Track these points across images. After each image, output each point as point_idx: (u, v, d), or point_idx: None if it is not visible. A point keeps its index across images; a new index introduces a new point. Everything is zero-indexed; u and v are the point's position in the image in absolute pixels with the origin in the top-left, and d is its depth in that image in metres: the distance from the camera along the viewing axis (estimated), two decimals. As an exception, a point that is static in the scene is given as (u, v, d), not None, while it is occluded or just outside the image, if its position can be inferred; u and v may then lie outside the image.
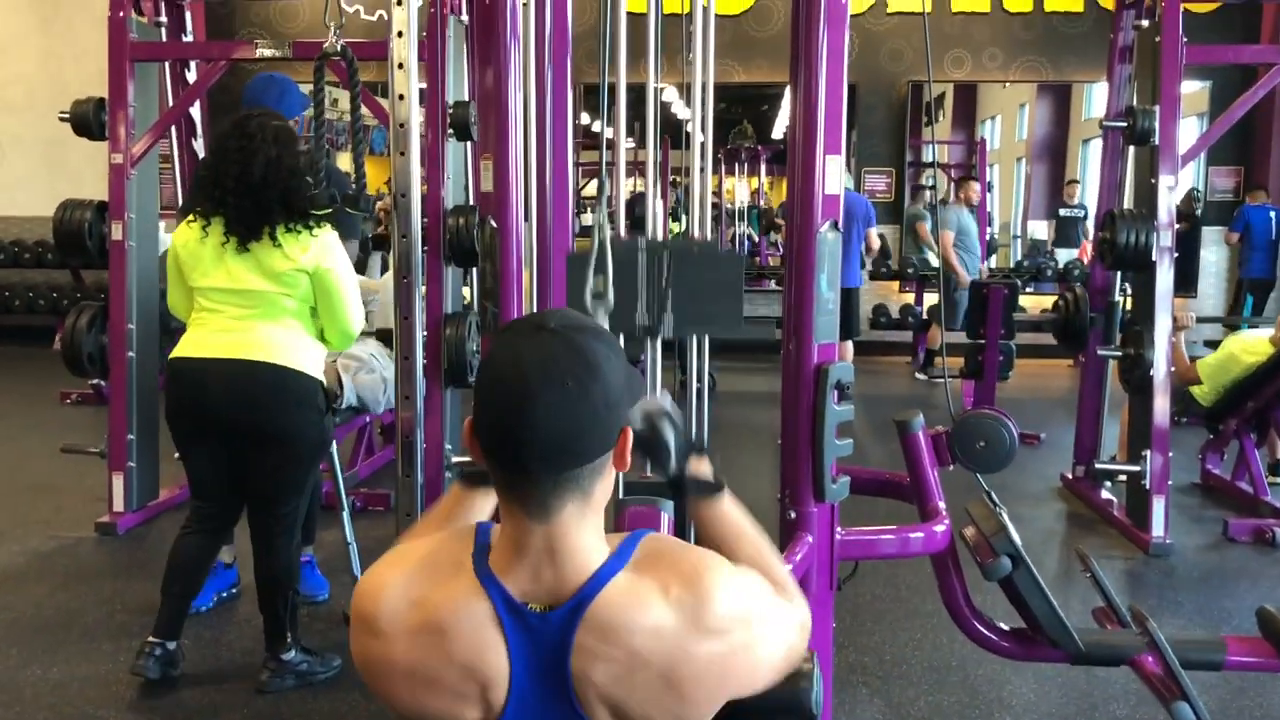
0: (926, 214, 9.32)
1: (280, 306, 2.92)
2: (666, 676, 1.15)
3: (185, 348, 2.97)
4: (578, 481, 1.15)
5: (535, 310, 2.17)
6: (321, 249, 2.91)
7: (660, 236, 2.09)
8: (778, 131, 11.17)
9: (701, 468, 1.45)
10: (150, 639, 3.05)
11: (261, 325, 2.92)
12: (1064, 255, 10.01)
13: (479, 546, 1.21)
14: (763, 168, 11.33)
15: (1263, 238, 8.97)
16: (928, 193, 9.82)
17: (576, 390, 1.12)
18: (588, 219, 10.04)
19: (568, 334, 1.15)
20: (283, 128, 2.90)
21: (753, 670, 1.22)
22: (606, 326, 1.67)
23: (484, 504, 1.43)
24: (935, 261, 7.98)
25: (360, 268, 5.64)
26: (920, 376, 8.45)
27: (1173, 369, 4.57)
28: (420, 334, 3.38)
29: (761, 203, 11.93)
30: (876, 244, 7.67)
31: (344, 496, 3.70)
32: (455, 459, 3.64)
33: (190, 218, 2.93)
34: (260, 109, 2.98)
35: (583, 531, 1.17)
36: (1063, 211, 10.35)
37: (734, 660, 1.19)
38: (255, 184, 2.81)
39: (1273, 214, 8.94)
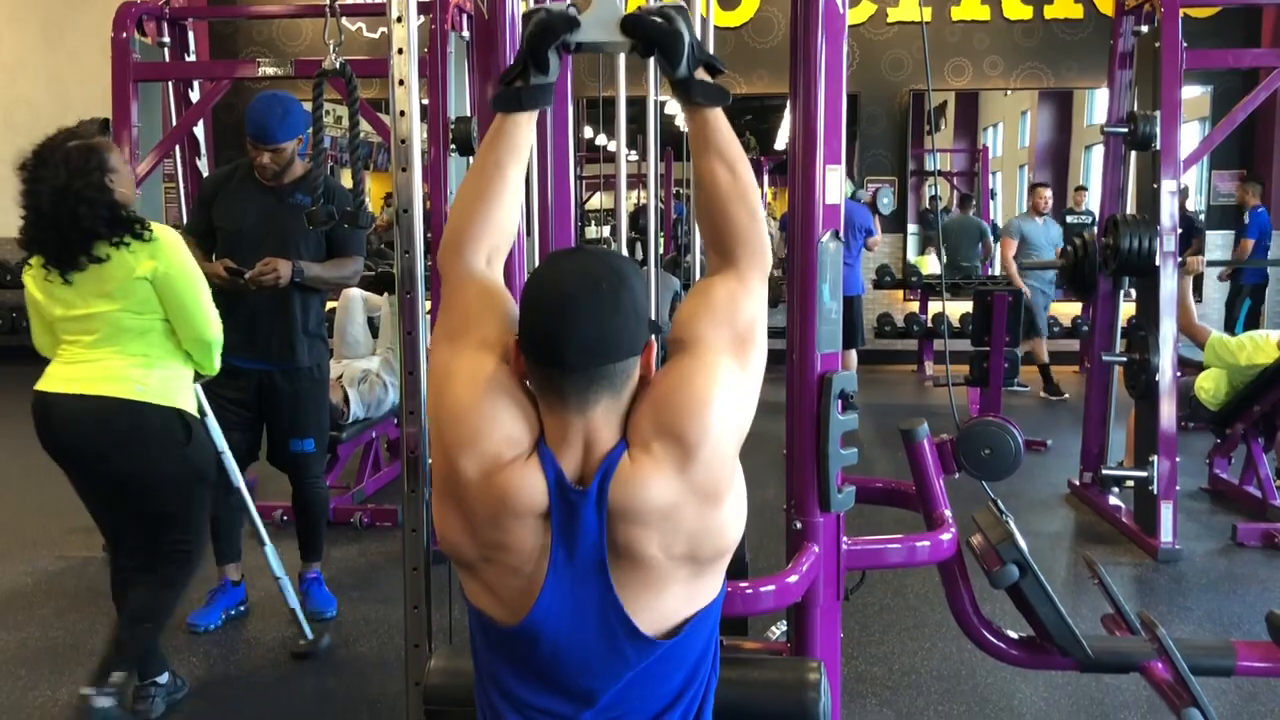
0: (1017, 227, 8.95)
1: (126, 327, 2.76)
2: (695, 497, 1.30)
3: (42, 380, 2.81)
4: (610, 379, 1.31)
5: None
6: (157, 252, 2.75)
7: (662, 249, 2.09)
8: (780, 143, 11.19)
9: (707, 76, 1.50)
10: (139, 683, 3.01)
11: (110, 353, 2.77)
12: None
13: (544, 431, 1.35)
14: (765, 179, 11.32)
15: (1265, 240, 8.89)
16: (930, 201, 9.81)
17: (609, 293, 1.30)
18: (591, 231, 10.09)
19: (598, 253, 1.39)
20: (77, 148, 2.70)
21: (747, 407, 1.39)
22: None
23: (527, 128, 1.50)
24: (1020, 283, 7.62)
25: (369, 285, 5.65)
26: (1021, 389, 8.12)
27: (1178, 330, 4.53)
28: (425, 349, 3.38)
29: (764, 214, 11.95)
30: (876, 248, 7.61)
31: (260, 526, 3.49)
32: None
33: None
34: (68, 132, 2.80)
35: (611, 430, 1.33)
36: (1070, 218, 10.33)
37: (728, 443, 1.33)
38: (48, 215, 2.69)
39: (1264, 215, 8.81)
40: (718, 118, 1.48)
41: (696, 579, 1.34)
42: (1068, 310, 9.45)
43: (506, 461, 1.31)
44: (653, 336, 1.37)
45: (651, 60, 1.61)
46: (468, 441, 1.32)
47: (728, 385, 1.34)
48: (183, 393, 2.87)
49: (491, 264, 1.47)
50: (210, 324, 2.86)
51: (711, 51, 1.64)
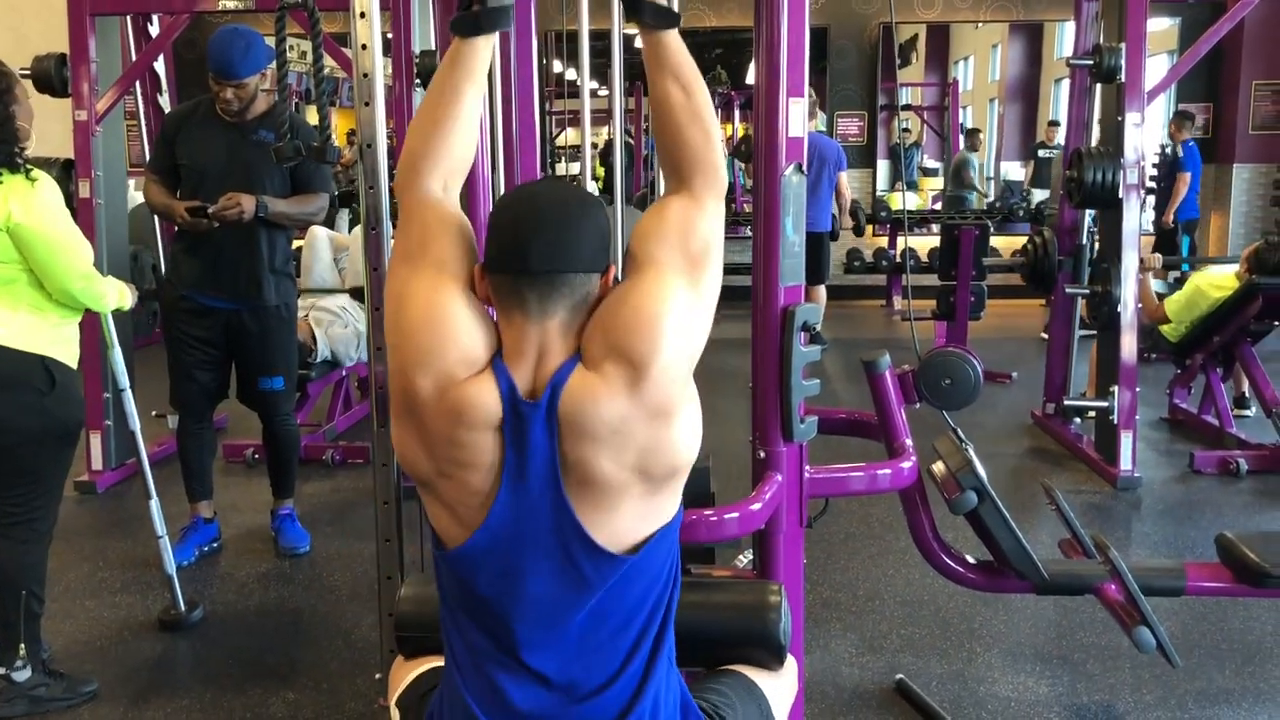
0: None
1: None
2: (646, 413, 1.32)
3: None
4: (570, 288, 1.35)
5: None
6: (11, 201, 2.56)
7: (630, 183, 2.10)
8: (751, 76, 11.09)
9: None
10: None
11: None
12: (1039, 195, 10.02)
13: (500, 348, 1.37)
14: (736, 113, 11.25)
15: (1199, 175, 8.64)
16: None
17: (576, 208, 1.37)
18: (560, 168, 10.02)
19: (564, 181, 1.42)
20: None
21: (702, 326, 1.40)
22: None
23: (485, 52, 1.50)
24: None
25: (329, 223, 5.62)
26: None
27: (1140, 307, 4.63)
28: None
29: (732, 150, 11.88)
30: (848, 194, 7.55)
31: (149, 476, 3.18)
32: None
33: None
34: None
35: (564, 344, 1.35)
36: (1042, 152, 10.33)
37: (681, 361, 1.35)
38: None
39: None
40: (672, 38, 1.48)
41: (651, 496, 1.36)
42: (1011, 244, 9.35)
43: (461, 379, 1.33)
44: (613, 263, 1.40)
45: None
46: (423, 358, 1.34)
47: (679, 305, 1.35)
48: (54, 341, 2.67)
49: (448, 189, 1.47)
50: (76, 277, 2.66)
51: None
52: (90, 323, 4.43)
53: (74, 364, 2.74)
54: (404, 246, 1.43)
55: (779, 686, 1.72)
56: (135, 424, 3.16)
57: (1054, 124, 10.12)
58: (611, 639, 1.38)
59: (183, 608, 3.22)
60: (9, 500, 2.65)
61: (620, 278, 1.42)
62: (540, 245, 1.33)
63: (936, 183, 11.22)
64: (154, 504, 3.16)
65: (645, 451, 1.33)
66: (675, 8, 1.52)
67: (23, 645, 2.67)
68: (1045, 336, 6.33)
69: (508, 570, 1.36)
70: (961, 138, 11.07)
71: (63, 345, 2.71)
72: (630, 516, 1.35)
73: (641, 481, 1.34)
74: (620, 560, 1.35)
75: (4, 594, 2.65)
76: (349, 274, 5.52)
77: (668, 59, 1.47)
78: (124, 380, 3.20)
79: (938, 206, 10.54)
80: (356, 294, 5.14)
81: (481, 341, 1.36)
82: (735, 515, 1.97)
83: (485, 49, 1.49)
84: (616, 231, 2.20)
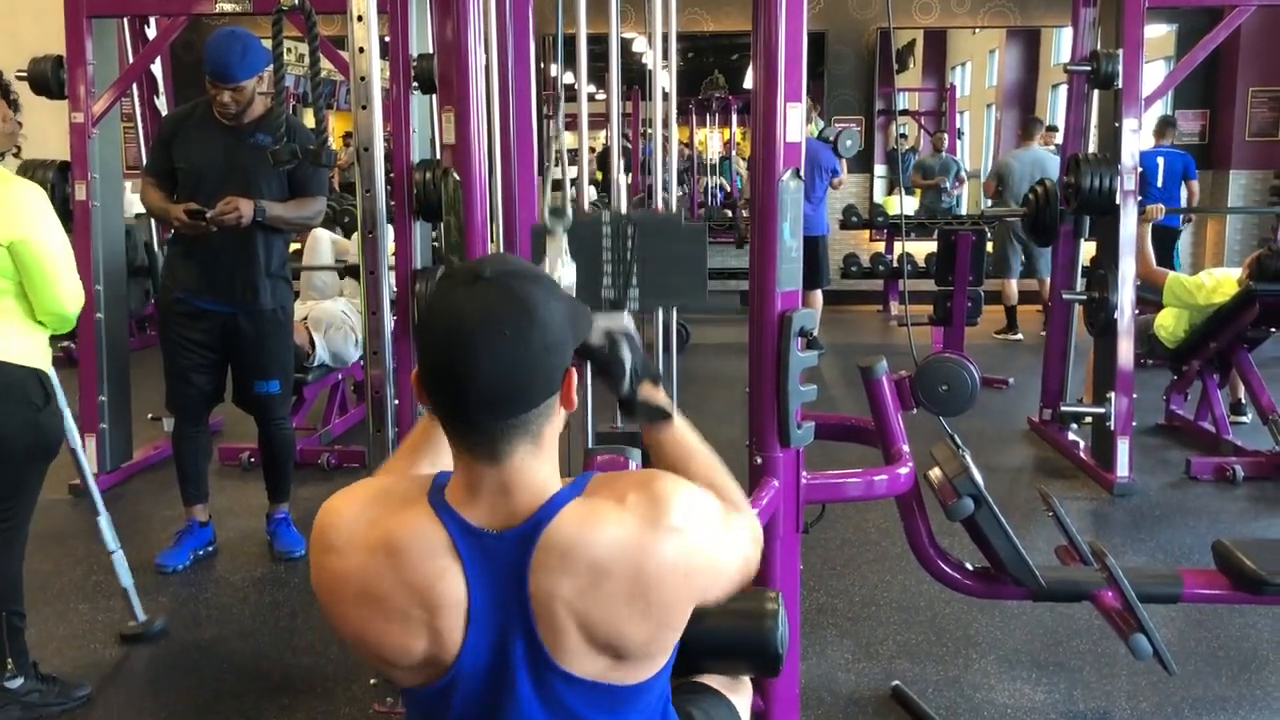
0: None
1: None
2: (633, 580, 1.17)
3: None
4: (525, 425, 1.18)
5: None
6: (7, 217, 2.51)
7: (624, 196, 2.09)
8: (749, 81, 11.10)
9: (655, 395, 1.50)
10: None
11: None
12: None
13: (435, 486, 1.24)
14: (734, 118, 11.26)
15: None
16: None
17: (515, 337, 1.14)
18: (555, 171, 10.00)
19: (503, 280, 1.17)
20: None
21: (715, 570, 1.27)
22: (565, 241, 1.70)
23: None
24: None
25: (327, 224, 5.61)
26: (998, 337, 8.11)
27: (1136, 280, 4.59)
28: (389, 289, 3.38)
29: (734, 153, 11.89)
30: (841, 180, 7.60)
31: (95, 493, 3.09)
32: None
33: None
34: None
35: (537, 470, 1.21)
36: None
37: (696, 558, 1.22)
38: None
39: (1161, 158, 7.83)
40: (672, 433, 1.48)
41: (605, 666, 1.22)
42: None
43: (377, 518, 1.22)
44: (572, 366, 1.23)
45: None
46: (327, 540, 1.24)
47: (717, 516, 1.28)
48: (45, 354, 2.66)
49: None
50: (68, 298, 2.61)
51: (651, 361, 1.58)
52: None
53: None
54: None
55: (743, 702, 1.72)
56: (76, 441, 3.01)
57: (1052, 129, 10.13)
58: None
59: (141, 618, 3.16)
60: None
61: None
62: (480, 394, 1.14)
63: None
64: (103, 520, 3.06)
65: (606, 620, 1.18)
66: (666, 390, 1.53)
67: (7, 659, 2.65)
68: (1044, 334, 6.33)
69: (484, 708, 1.24)
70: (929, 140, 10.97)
71: (47, 358, 2.69)
72: (600, 669, 1.23)
73: (589, 647, 1.20)
74: (600, 689, 1.23)
75: None
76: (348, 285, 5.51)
77: (676, 451, 1.47)
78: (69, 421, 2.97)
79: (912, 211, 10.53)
80: (351, 271, 5.06)
81: (399, 500, 1.24)
82: (732, 521, 1.97)
83: None
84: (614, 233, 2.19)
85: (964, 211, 10.24)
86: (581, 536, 1.17)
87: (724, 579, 1.29)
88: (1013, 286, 8.04)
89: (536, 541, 1.18)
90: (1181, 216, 7.95)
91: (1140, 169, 7.03)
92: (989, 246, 6.35)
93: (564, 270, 1.68)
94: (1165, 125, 7.80)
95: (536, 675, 1.21)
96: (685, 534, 1.20)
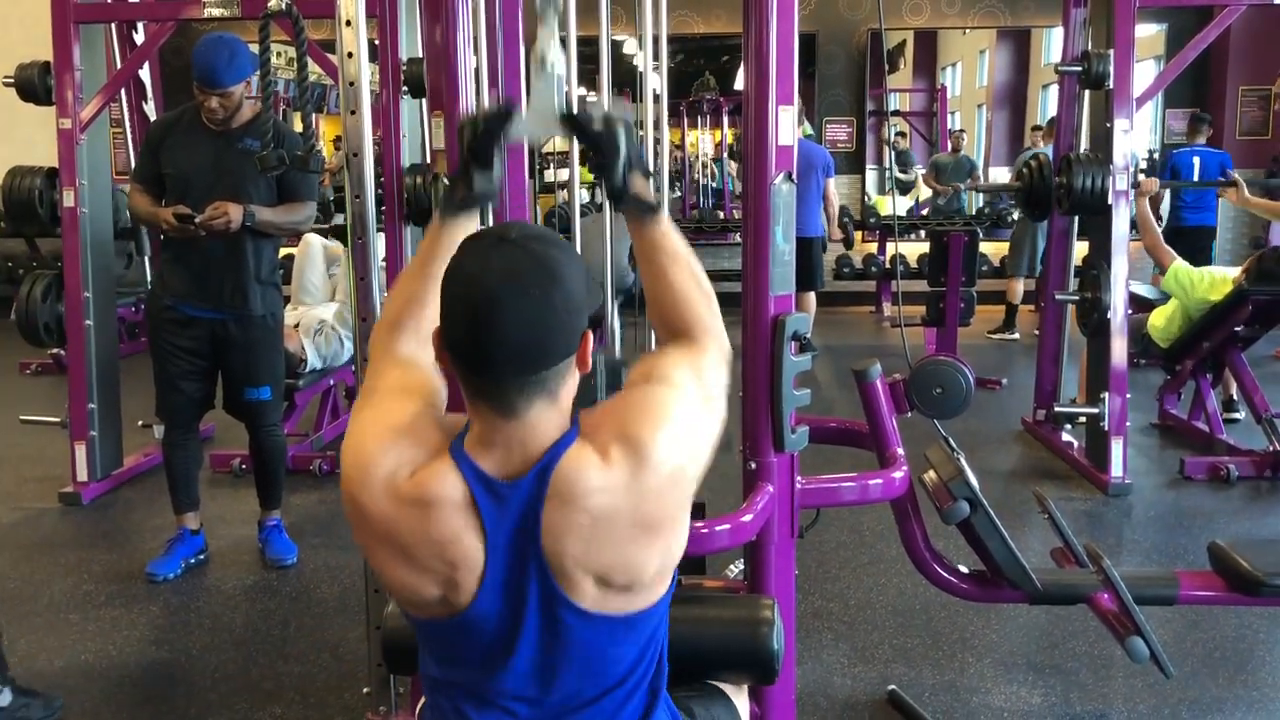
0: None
1: None
2: (632, 521, 1.24)
3: None
4: (544, 383, 1.23)
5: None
6: None
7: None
8: (740, 83, 11.07)
9: (644, 188, 1.51)
10: None
11: None
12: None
13: (458, 437, 1.28)
14: (725, 119, 11.24)
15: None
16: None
17: (540, 297, 1.20)
18: (547, 175, 9.99)
19: (529, 243, 1.24)
20: None
21: (703, 452, 1.33)
22: (555, 23, 1.68)
23: (468, 226, 1.50)
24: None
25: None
26: (993, 336, 8.09)
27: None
28: (379, 295, 3.36)
29: (725, 155, 11.87)
30: (836, 203, 7.49)
31: None
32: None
33: None
34: None
35: (548, 424, 1.26)
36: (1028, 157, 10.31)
37: (685, 468, 1.28)
38: None
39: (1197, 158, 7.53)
40: (659, 223, 1.49)
41: (614, 598, 1.28)
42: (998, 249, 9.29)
43: (407, 474, 1.25)
44: (589, 329, 1.28)
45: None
46: (361, 476, 1.27)
47: (690, 404, 1.31)
48: None
49: (419, 350, 1.44)
50: None
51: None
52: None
53: None
54: (366, 398, 1.40)
55: (742, 703, 1.71)
56: None
57: (1038, 129, 10.13)
58: (605, 694, 1.32)
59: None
60: None
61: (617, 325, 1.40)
62: (505, 351, 1.20)
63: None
64: None
65: (614, 561, 1.25)
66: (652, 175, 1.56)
67: None
68: (1037, 333, 6.32)
69: (495, 641, 1.29)
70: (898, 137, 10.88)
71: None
72: (610, 600, 1.28)
73: (598, 586, 1.26)
74: (609, 619, 1.29)
75: None
76: (343, 279, 5.48)
77: (662, 243, 1.48)
78: None
79: (925, 212, 10.53)
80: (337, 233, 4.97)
81: (426, 449, 1.28)
82: (726, 527, 1.95)
83: (471, 223, 1.51)
84: (607, 238, 2.18)
85: (973, 212, 10.23)
86: (580, 484, 1.22)
87: (710, 447, 1.34)
88: (1018, 285, 8.04)
89: (545, 489, 1.23)
90: (1217, 215, 7.67)
91: (1175, 168, 7.06)
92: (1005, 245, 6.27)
93: (555, 57, 1.62)
94: (1198, 123, 7.31)
95: (549, 612, 1.27)
96: (669, 460, 1.25)
